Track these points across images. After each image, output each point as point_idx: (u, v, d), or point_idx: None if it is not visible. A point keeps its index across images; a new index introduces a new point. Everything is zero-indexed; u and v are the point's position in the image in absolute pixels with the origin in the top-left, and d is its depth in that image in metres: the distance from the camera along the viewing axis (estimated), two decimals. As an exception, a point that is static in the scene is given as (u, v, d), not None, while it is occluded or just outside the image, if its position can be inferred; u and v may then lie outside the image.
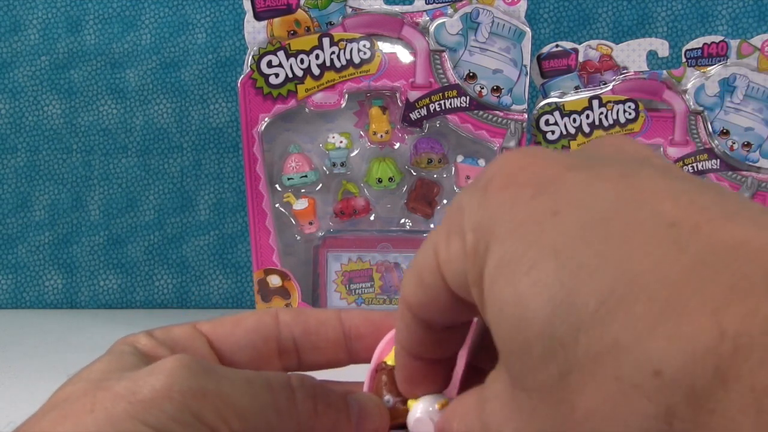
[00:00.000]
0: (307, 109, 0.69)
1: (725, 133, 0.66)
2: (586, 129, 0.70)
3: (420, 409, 0.28)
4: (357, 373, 0.32)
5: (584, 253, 0.17)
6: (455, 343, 0.27)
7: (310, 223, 0.71)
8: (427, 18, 0.68)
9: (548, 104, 0.70)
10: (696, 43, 0.66)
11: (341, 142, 0.70)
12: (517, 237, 0.19)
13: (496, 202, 0.20)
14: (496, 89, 0.68)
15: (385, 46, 0.68)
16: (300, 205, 0.70)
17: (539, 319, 0.18)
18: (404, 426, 0.29)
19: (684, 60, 0.67)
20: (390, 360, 0.30)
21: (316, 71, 0.67)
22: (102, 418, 0.23)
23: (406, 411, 0.29)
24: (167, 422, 0.24)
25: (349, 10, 0.67)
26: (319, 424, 0.27)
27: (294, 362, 0.32)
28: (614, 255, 0.17)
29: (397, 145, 0.71)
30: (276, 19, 0.67)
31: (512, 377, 0.20)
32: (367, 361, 0.31)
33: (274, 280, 0.70)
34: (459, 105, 0.68)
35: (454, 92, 0.68)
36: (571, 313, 0.17)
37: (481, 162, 0.70)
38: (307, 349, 0.31)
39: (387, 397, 0.30)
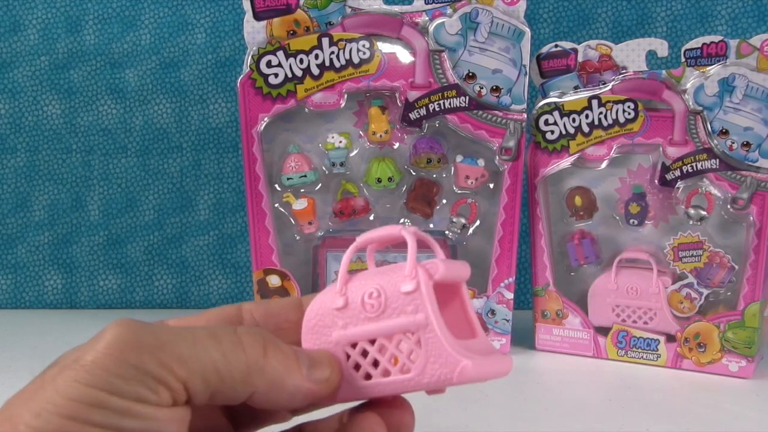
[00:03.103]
0: (306, 109, 0.69)
1: (724, 132, 0.66)
2: (586, 129, 0.70)
3: None
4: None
5: None
6: None
7: (310, 223, 0.71)
8: (427, 18, 0.68)
9: (547, 104, 0.70)
10: (695, 42, 0.66)
11: (340, 142, 0.70)
12: None
13: None
14: (496, 89, 0.68)
15: (384, 46, 0.68)
16: (299, 205, 0.70)
17: None
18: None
19: (683, 60, 0.67)
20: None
21: (315, 71, 0.67)
22: (50, 390, 0.25)
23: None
24: (110, 379, 0.25)
25: (348, 10, 0.67)
26: (269, 366, 0.28)
27: None
28: None
29: (397, 145, 0.71)
30: (275, 19, 0.67)
31: None
32: None
33: (274, 280, 0.70)
34: (458, 105, 0.68)
35: (454, 92, 0.68)
36: None
37: (480, 162, 0.70)
38: (271, 331, 0.31)
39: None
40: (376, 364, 0.31)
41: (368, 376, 0.31)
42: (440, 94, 0.68)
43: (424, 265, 0.31)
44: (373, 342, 0.31)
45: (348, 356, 0.32)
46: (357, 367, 0.32)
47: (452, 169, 0.71)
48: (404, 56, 0.68)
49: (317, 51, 0.67)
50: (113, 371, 0.25)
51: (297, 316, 0.33)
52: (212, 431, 0.32)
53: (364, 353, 0.31)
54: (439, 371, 0.30)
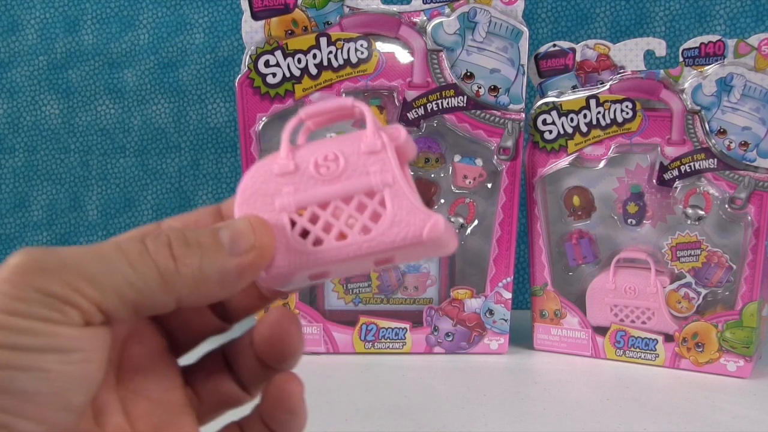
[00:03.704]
0: (304, 109, 0.69)
1: (722, 132, 0.66)
2: (584, 128, 0.70)
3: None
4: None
5: None
6: None
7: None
8: (425, 18, 0.68)
9: (546, 103, 0.70)
10: (693, 42, 0.66)
11: (339, 141, 0.69)
12: None
13: None
14: (494, 89, 0.68)
15: (382, 46, 0.68)
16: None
17: None
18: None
19: (681, 59, 0.67)
20: None
21: (313, 71, 0.67)
22: None
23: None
24: (12, 303, 0.24)
25: (346, 10, 0.67)
26: (183, 267, 0.27)
27: None
28: None
29: (395, 145, 0.71)
30: (273, 19, 0.67)
31: None
32: None
33: (272, 280, 0.70)
34: (456, 104, 0.68)
35: (452, 92, 0.68)
36: None
37: (479, 161, 0.70)
38: None
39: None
40: (328, 229, 0.28)
41: (318, 242, 0.28)
42: (438, 94, 0.68)
43: (384, 128, 0.29)
44: (324, 207, 0.29)
45: (293, 224, 0.29)
46: (305, 234, 0.29)
47: (450, 168, 0.71)
48: (402, 56, 0.68)
49: (315, 51, 0.67)
50: (14, 295, 0.24)
51: (216, 221, 0.31)
52: (154, 347, 0.31)
53: (314, 219, 0.29)
54: (406, 229, 0.28)
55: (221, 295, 0.28)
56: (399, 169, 0.28)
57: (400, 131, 0.29)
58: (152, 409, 0.29)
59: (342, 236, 0.28)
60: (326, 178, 0.29)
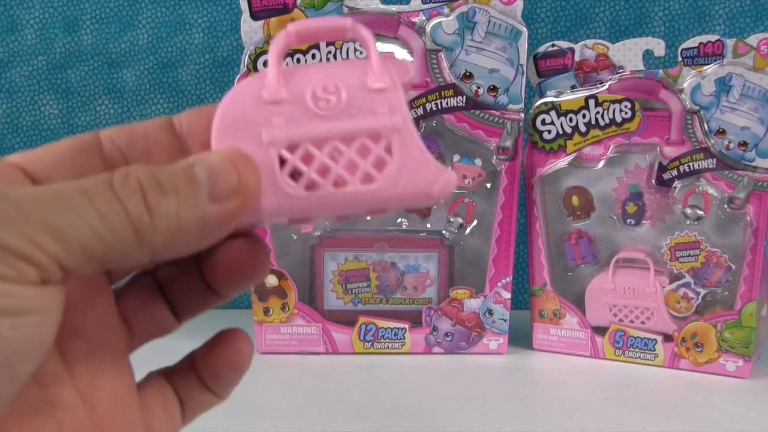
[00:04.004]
0: (303, 109, 0.69)
1: (721, 132, 0.66)
2: (583, 128, 0.70)
3: None
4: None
5: None
6: None
7: (307, 223, 0.71)
8: (424, 17, 0.68)
9: (545, 103, 0.70)
10: (692, 42, 0.66)
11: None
12: None
13: None
14: (493, 89, 0.68)
15: (381, 46, 0.68)
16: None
17: None
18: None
19: (680, 59, 0.67)
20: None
21: (312, 71, 0.67)
22: None
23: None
24: None
25: (345, 10, 0.67)
26: (158, 218, 0.23)
27: None
28: None
29: (394, 145, 0.71)
30: (273, 19, 0.67)
31: None
32: None
33: (271, 280, 0.70)
34: (455, 104, 0.68)
35: (451, 92, 0.68)
36: None
37: (477, 161, 0.70)
38: (138, 158, 0.27)
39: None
40: (323, 172, 0.25)
41: (312, 186, 0.25)
42: (437, 94, 0.68)
43: (391, 62, 0.26)
44: (320, 147, 0.25)
45: (283, 162, 0.25)
46: (295, 176, 0.25)
47: (449, 168, 0.71)
48: (401, 56, 0.68)
49: (314, 51, 0.67)
50: None
51: (168, 138, 0.27)
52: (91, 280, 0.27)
53: (308, 159, 0.25)
54: (414, 182, 0.25)
55: (200, 246, 0.25)
56: (409, 113, 0.25)
57: (408, 67, 0.26)
58: (91, 350, 0.26)
59: (339, 182, 0.25)
60: (325, 113, 0.25)
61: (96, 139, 0.27)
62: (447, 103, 0.68)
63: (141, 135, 0.27)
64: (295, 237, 0.72)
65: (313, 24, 0.26)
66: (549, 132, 0.70)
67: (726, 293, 0.68)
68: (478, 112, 0.68)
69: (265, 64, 0.67)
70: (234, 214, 0.24)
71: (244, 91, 0.25)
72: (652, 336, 0.69)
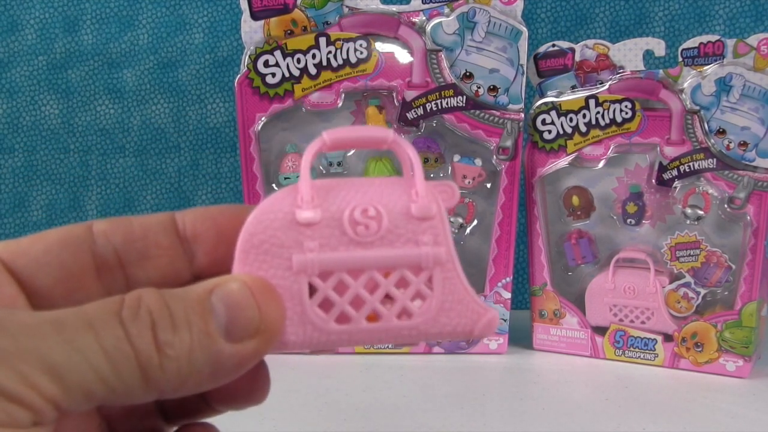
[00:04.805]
0: (303, 109, 0.69)
1: (722, 132, 0.66)
2: (583, 128, 0.70)
3: None
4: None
5: None
6: None
7: (307, 223, 0.70)
8: (424, 17, 0.68)
9: (545, 103, 0.70)
10: (692, 42, 0.66)
11: (338, 141, 0.69)
12: None
13: None
14: (493, 89, 0.68)
15: (381, 46, 0.68)
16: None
17: None
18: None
19: (680, 59, 0.67)
20: None
21: (312, 71, 0.67)
22: None
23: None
24: None
25: (345, 10, 0.67)
26: (168, 361, 0.21)
27: (120, 280, 0.25)
28: None
29: (394, 145, 0.71)
30: (273, 19, 0.67)
31: None
32: (214, 269, 0.25)
33: (271, 280, 0.70)
34: (455, 104, 0.68)
35: (451, 92, 0.68)
36: None
37: (478, 161, 0.70)
38: (134, 260, 0.24)
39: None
40: (357, 304, 0.23)
41: (343, 319, 0.23)
42: (437, 94, 0.68)
43: (434, 185, 0.24)
44: (356, 276, 0.23)
45: (313, 290, 0.23)
46: (326, 306, 0.23)
47: (449, 168, 0.71)
48: (402, 56, 0.68)
49: (314, 50, 0.67)
50: None
51: (169, 239, 0.25)
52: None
53: (341, 289, 0.23)
54: (454, 321, 0.23)
55: (212, 386, 0.22)
56: (453, 245, 0.24)
57: (455, 192, 0.25)
58: None
59: (374, 316, 0.23)
60: (363, 240, 0.23)
61: (88, 233, 0.24)
62: (447, 103, 0.68)
63: (139, 234, 0.25)
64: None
65: (352, 134, 0.25)
66: (549, 132, 0.70)
67: (726, 293, 0.68)
68: (478, 112, 0.68)
69: (265, 64, 0.67)
70: (253, 356, 0.22)
71: (274, 208, 0.23)
72: (652, 336, 0.69)
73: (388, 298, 0.23)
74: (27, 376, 0.19)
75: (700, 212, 0.68)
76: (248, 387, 0.25)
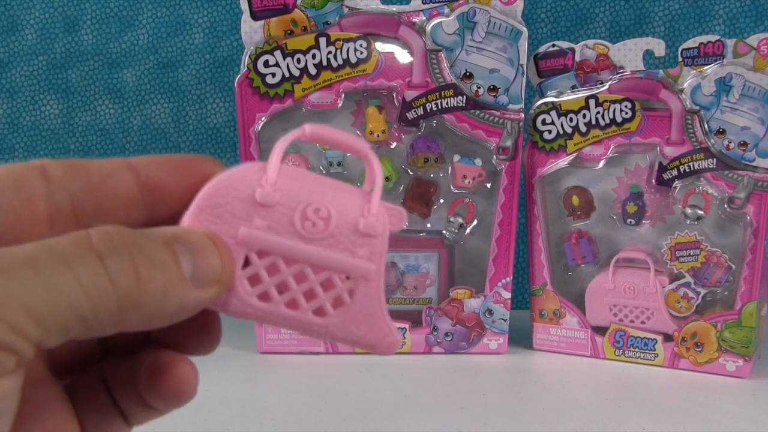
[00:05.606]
0: (303, 109, 0.69)
1: (721, 132, 0.66)
2: (583, 128, 0.70)
3: None
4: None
5: None
6: None
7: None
8: (424, 18, 0.68)
9: (545, 103, 0.70)
10: (692, 42, 0.66)
11: (338, 141, 0.69)
12: None
13: None
14: (493, 89, 0.68)
15: (381, 46, 0.68)
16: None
17: None
18: None
19: (680, 59, 0.67)
20: None
21: (312, 71, 0.67)
22: None
23: None
24: None
25: (345, 10, 0.67)
26: (146, 295, 0.21)
27: (72, 229, 0.23)
28: None
29: (394, 145, 0.71)
30: (273, 19, 0.67)
31: None
32: (172, 218, 0.25)
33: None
34: (455, 104, 0.68)
35: (451, 92, 0.68)
36: None
37: (478, 161, 0.70)
38: (90, 211, 0.23)
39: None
40: (282, 288, 0.25)
41: (266, 298, 0.25)
42: (437, 94, 0.68)
43: (387, 208, 0.26)
44: (289, 264, 0.25)
45: (247, 264, 0.25)
46: (254, 280, 0.25)
47: (449, 168, 0.71)
48: (402, 56, 0.68)
49: (314, 51, 0.67)
50: None
51: (127, 188, 0.24)
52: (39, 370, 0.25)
53: (272, 271, 0.25)
54: (363, 332, 0.26)
55: (165, 325, 0.22)
56: (384, 266, 0.26)
57: (402, 220, 0.26)
58: None
59: (293, 304, 0.25)
60: (306, 235, 0.25)
61: (42, 179, 0.23)
62: (447, 103, 0.68)
63: (97, 183, 0.23)
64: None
65: (332, 135, 0.27)
66: (549, 132, 0.70)
67: (726, 293, 0.68)
68: (478, 112, 0.68)
69: (265, 64, 0.67)
70: (208, 303, 0.23)
71: (240, 178, 0.25)
72: (652, 336, 0.69)
73: (311, 293, 0.25)
74: (12, 323, 0.19)
75: (700, 212, 0.68)
76: (202, 336, 0.26)
